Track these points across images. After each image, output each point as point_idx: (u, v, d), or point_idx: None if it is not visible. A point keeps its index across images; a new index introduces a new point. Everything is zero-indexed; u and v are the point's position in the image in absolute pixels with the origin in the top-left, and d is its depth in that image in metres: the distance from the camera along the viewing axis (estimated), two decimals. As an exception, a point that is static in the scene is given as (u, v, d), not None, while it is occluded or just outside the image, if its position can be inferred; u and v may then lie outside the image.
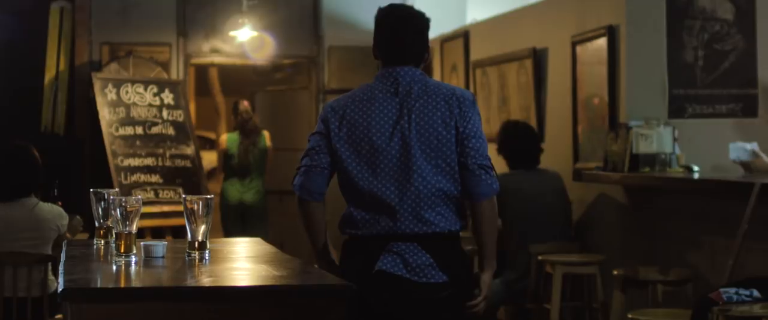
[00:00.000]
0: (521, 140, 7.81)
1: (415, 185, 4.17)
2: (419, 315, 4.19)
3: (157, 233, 9.83)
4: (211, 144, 28.40)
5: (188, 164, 10.47)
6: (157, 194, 10.17)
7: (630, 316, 5.69)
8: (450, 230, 4.22)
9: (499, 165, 7.96)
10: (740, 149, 6.62)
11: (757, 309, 4.88)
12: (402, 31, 4.35)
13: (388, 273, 4.17)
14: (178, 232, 9.68)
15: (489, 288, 4.34)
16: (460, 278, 4.23)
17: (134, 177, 10.12)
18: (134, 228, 4.02)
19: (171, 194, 10.20)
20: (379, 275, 4.17)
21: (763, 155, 6.65)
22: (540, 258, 7.26)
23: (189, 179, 10.40)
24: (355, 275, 4.09)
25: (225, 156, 11.12)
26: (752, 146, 6.63)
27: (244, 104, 11.11)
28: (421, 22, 4.38)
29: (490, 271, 4.34)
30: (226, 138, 11.20)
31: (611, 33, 7.43)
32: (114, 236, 4.11)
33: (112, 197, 4.23)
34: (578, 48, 7.94)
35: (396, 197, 4.18)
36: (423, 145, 4.19)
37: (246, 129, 11.02)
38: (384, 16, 4.40)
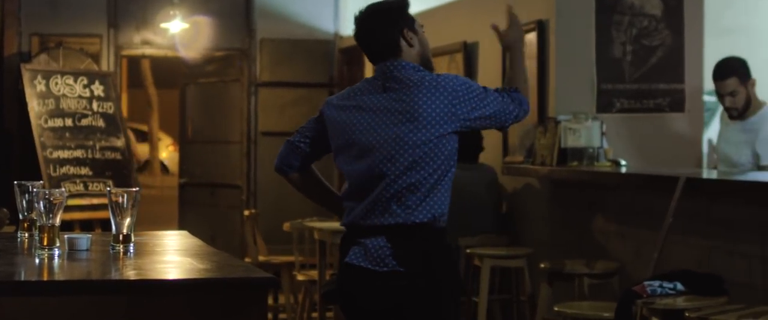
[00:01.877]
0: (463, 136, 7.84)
1: (384, 179, 4.26)
2: (381, 304, 4.30)
3: (87, 225, 9.77)
4: (144, 136, 28.47)
5: (118, 156, 10.41)
6: (86, 187, 10.10)
7: (556, 309, 5.75)
8: (414, 222, 4.25)
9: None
10: None
11: (680, 302, 4.95)
12: (358, 34, 4.49)
13: (352, 265, 4.30)
14: (108, 225, 9.62)
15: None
16: (417, 269, 4.24)
17: (64, 169, 10.04)
18: (58, 221, 3.99)
19: (101, 186, 10.13)
20: (346, 267, 4.32)
21: None
22: (468, 251, 7.30)
23: (119, 171, 10.34)
24: (338, 267, 4.43)
25: None
26: None
27: None
28: (374, 17, 4.45)
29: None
30: None
31: (541, 28, 7.48)
32: (37, 228, 4.08)
33: (35, 189, 4.19)
34: (508, 42, 7.97)
35: (367, 188, 4.30)
36: (398, 139, 4.26)
37: None
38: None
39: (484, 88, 4.36)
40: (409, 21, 4.44)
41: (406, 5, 4.49)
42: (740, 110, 6.67)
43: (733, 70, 6.68)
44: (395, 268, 4.24)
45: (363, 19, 4.48)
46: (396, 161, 4.26)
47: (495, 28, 4.65)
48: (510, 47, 4.60)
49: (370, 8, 4.49)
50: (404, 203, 4.25)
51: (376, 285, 4.27)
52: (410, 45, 4.40)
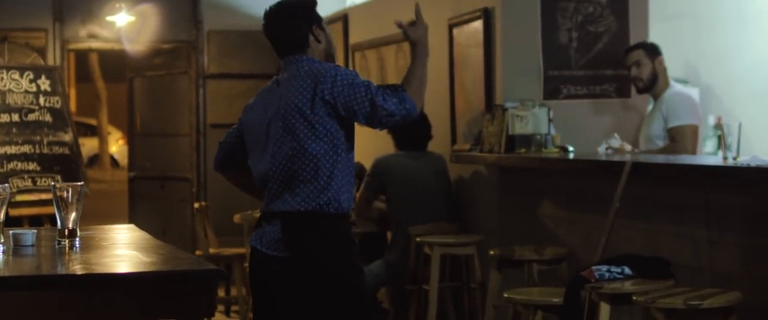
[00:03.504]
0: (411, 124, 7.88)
1: (274, 167, 4.52)
2: (275, 285, 4.54)
3: (36, 221, 9.70)
4: (93, 130, 28.30)
5: (66, 151, 10.33)
6: (34, 182, 10.03)
7: (506, 295, 5.76)
8: (298, 210, 4.48)
9: (387, 146, 8.01)
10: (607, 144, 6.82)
11: (628, 286, 4.99)
12: (268, 27, 4.73)
13: (252, 246, 4.61)
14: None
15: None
16: (301, 257, 4.48)
17: (11, 165, 9.96)
18: (1, 216, 3.97)
19: (49, 181, 10.05)
20: (251, 248, 4.63)
21: (625, 143, 6.84)
22: (418, 239, 7.31)
23: (68, 166, 10.26)
24: None
25: None
26: (615, 140, 6.81)
27: None
28: (285, 12, 4.68)
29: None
30: None
31: (487, 15, 7.49)
32: (-19, 225, 4.05)
33: (-22, 185, 4.17)
34: (455, 30, 8.00)
35: (264, 180, 4.58)
36: (283, 129, 4.50)
37: None
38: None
39: (367, 82, 4.48)
40: (318, 18, 4.70)
41: (314, 3, 4.72)
42: (645, 81, 6.99)
43: (640, 45, 7.11)
44: (282, 254, 4.49)
45: (273, 13, 4.71)
46: (279, 150, 4.50)
47: (399, 24, 4.75)
48: (415, 43, 4.72)
49: (281, 4, 4.72)
50: (293, 191, 4.48)
51: (270, 268, 4.53)
52: (318, 41, 4.65)
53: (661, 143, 6.87)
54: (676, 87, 7.04)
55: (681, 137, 6.81)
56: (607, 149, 6.73)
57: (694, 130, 6.85)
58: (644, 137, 7.02)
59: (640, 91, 7.08)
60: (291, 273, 4.49)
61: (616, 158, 6.28)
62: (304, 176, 4.47)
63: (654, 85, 6.97)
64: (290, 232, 4.50)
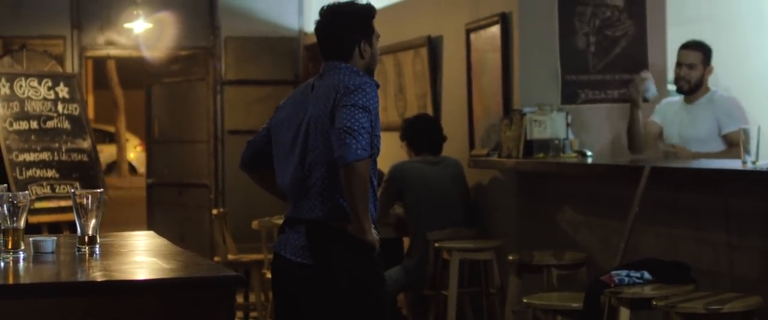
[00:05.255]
0: (423, 127, 7.90)
1: (300, 174, 4.51)
2: (297, 291, 4.56)
3: (55, 228, 9.72)
4: (111, 137, 28.33)
5: (85, 158, 10.35)
6: (53, 189, 10.05)
7: (525, 300, 5.76)
8: (322, 219, 4.49)
9: (401, 153, 8.01)
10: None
11: (647, 291, 4.98)
12: (319, 27, 4.70)
13: (275, 252, 4.63)
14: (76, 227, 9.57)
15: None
16: (326, 265, 4.50)
17: (30, 172, 9.98)
18: (22, 224, 3.98)
19: (68, 188, 10.07)
20: (274, 253, 4.65)
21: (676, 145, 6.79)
22: (437, 244, 7.31)
23: (86, 173, 10.29)
24: None
25: None
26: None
27: None
28: (340, 18, 4.62)
29: (353, 224, 4.44)
30: None
31: (504, 20, 7.49)
32: (2, 232, 4.06)
33: (-1, 193, 4.18)
34: (472, 36, 7.99)
35: (289, 185, 4.56)
36: (310, 138, 4.48)
37: None
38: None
39: (359, 117, 4.36)
40: (369, 33, 4.61)
41: (372, 15, 4.64)
42: (692, 84, 6.83)
43: (700, 46, 6.91)
44: (306, 260, 4.50)
45: (329, 15, 4.65)
46: (305, 157, 4.49)
47: None
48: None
49: (340, 7, 4.65)
50: (318, 198, 4.48)
51: (293, 274, 4.55)
52: (362, 57, 4.60)
53: (711, 146, 6.76)
54: (719, 91, 6.93)
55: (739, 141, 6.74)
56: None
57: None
58: (681, 138, 6.88)
59: (681, 91, 6.90)
60: (314, 279, 4.50)
61: (634, 162, 6.26)
62: (329, 184, 4.46)
63: (696, 90, 6.84)
64: (315, 240, 4.50)
